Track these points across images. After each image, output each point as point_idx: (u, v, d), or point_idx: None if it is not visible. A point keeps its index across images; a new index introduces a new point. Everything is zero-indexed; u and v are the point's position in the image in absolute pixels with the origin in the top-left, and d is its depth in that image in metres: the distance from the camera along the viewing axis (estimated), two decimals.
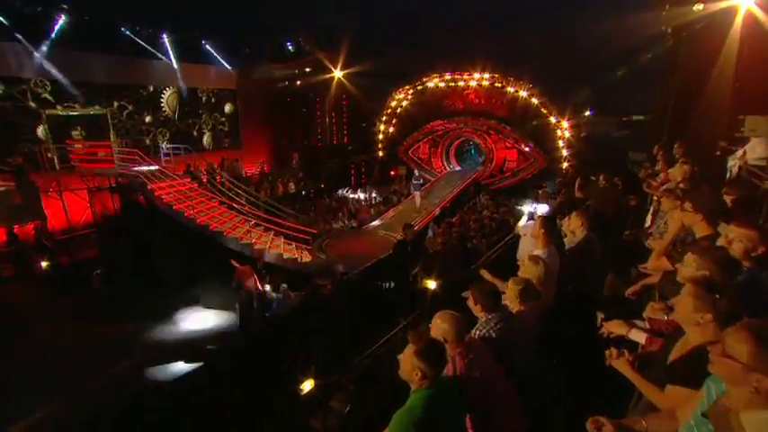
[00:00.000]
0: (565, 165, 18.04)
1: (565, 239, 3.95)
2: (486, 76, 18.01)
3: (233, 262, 8.85)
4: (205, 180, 14.29)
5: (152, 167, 11.09)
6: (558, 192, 10.31)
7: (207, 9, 16.47)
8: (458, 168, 22.55)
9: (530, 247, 5.38)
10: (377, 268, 6.47)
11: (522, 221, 8.50)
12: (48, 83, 12.90)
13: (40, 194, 11.53)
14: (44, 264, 11.06)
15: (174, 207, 9.98)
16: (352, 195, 17.79)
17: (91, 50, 13.39)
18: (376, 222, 14.13)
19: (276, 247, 10.16)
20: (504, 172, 20.46)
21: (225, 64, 17.47)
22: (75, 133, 13.61)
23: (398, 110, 20.97)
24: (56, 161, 13.10)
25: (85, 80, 13.56)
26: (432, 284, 5.68)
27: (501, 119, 18.95)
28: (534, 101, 17.17)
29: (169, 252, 10.74)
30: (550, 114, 17.62)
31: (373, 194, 18.57)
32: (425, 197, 16.38)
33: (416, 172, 16.14)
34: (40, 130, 12.90)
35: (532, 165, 19.47)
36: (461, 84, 18.67)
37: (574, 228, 3.74)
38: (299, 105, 20.42)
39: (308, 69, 18.90)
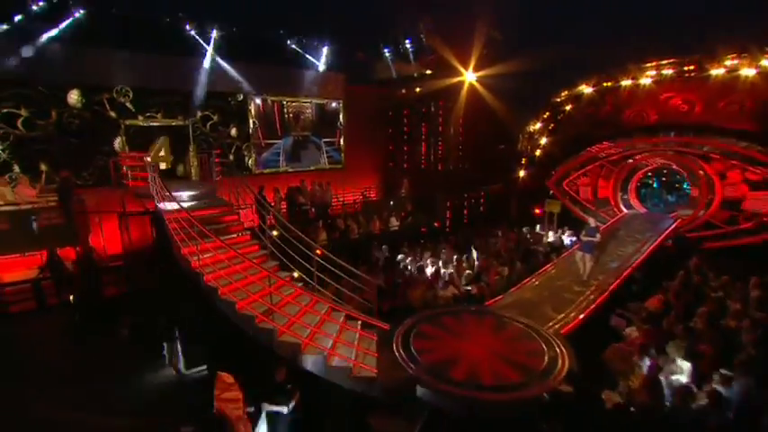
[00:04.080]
0: None
1: None
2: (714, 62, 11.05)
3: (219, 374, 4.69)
4: (284, 210, 11.05)
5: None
6: None
7: (312, 7, 13.80)
8: (641, 211, 15.19)
9: None
10: None
11: None
12: (129, 90, 11.43)
13: (77, 214, 9.48)
14: (71, 297, 8.91)
15: (183, 251, 6.44)
16: (476, 241, 12.44)
17: (172, 54, 11.62)
18: (508, 296, 8.51)
19: (317, 344, 5.64)
20: (734, 222, 12.46)
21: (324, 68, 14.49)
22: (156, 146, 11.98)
23: (551, 125, 15.15)
24: (130, 176, 11.57)
25: (168, 87, 11.83)
26: None
27: (740, 133, 11.47)
28: None
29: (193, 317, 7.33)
30: None
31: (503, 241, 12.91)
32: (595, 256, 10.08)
33: (592, 221, 9.79)
34: (117, 142, 11.41)
35: None
36: (662, 79, 11.99)
37: None
38: (417, 118, 16.22)
39: (428, 71, 14.66)
